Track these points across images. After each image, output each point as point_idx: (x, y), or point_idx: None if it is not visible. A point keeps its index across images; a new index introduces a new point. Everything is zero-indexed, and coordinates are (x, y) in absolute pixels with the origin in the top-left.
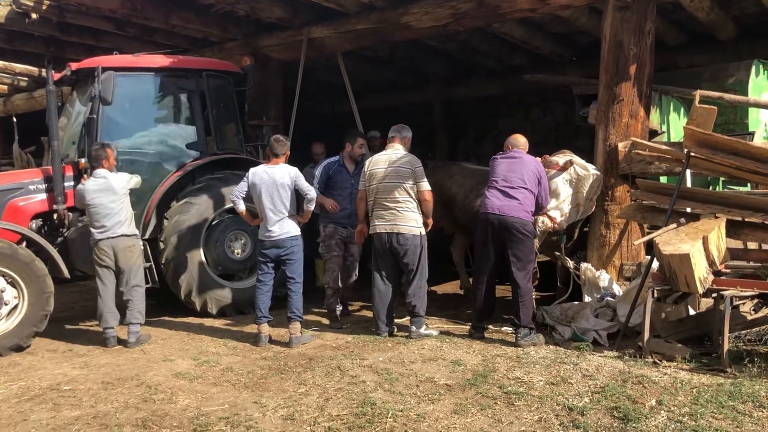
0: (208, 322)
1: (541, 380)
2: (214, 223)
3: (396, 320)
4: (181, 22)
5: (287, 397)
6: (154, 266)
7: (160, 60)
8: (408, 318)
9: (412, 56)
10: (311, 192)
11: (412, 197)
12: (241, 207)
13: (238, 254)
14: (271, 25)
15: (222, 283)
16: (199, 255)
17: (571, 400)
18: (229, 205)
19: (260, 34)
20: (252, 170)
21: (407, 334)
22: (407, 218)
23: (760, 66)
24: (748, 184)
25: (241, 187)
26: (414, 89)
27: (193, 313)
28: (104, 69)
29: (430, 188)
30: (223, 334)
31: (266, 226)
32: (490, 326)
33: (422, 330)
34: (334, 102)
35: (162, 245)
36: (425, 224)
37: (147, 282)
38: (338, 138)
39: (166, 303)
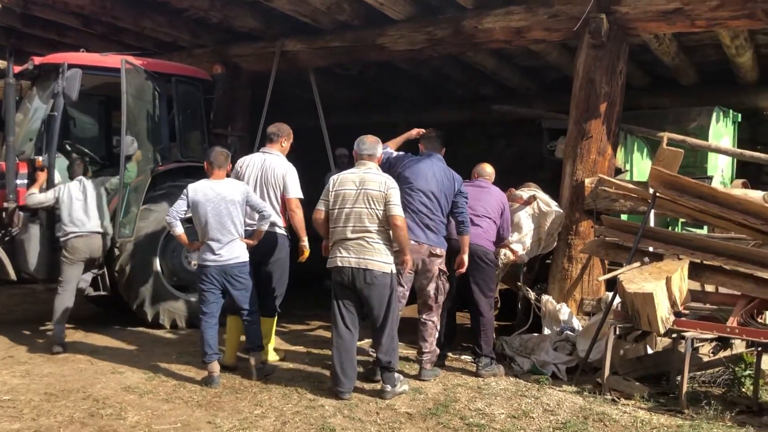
0: (159, 333)
1: (502, 413)
2: (170, 231)
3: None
4: (152, 25)
5: (242, 419)
6: (106, 273)
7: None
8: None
9: (382, 77)
10: (266, 209)
11: (385, 227)
12: (179, 230)
13: (194, 265)
14: (244, 34)
15: (176, 294)
16: (155, 264)
17: None
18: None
19: (231, 42)
20: (192, 186)
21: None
22: (378, 251)
23: (721, 113)
24: (705, 227)
25: (180, 206)
26: (381, 110)
27: (143, 324)
28: (70, 66)
29: (402, 214)
30: (175, 347)
31: (212, 250)
32: (449, 354)
33: (397, 388)
34: (302, 117)
35: (117, 252)
36: (402, 261)
37: (98, 289)
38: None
39: (115, 312)
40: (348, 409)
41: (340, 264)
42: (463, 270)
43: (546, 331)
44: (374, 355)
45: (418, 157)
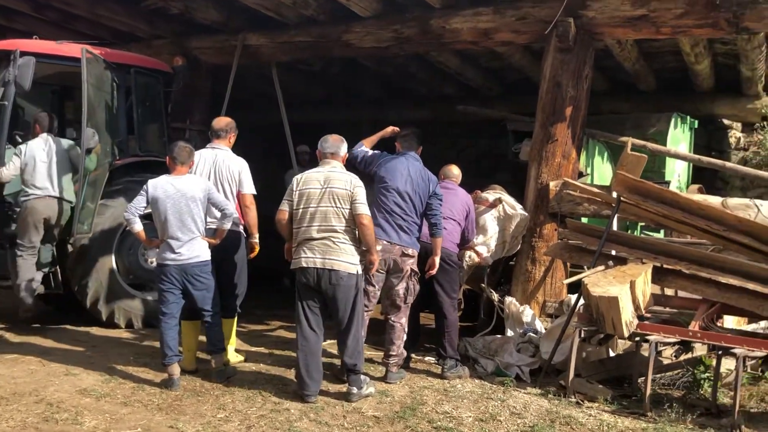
0: (114, 333)
1: (470, 416)
2: (128, 228)
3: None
4: (108, 13)
5: (206, 423)
6: (59, 270)
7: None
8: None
9: (346, 74)
10: (228, 207)
11: (351, 226)
12: (138, 227)
13: (152, 263)
14: (204, 26)
15: (132, 293)
16: (110, 261)
17: None
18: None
19: (191, 34)
20: (152, 182)
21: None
22: (344, 251)
23: (679, 119)
24: (662, 231)
25: (139, 202)
26: (343, 107)
27: (97, 323)
28: (23, 53)
29: (368, 213)
30: (131, 347)
31: (172, 248)
32: (413, 355)
33: (363, 390)
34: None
35: (70, 248)
36: (369, 261)
37: (50, 287)
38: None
39: (66, 310)
40: (314, 413)
41: (305, 264)
42: (434, 272)
43: (509, 332)
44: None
45: (393, 155)
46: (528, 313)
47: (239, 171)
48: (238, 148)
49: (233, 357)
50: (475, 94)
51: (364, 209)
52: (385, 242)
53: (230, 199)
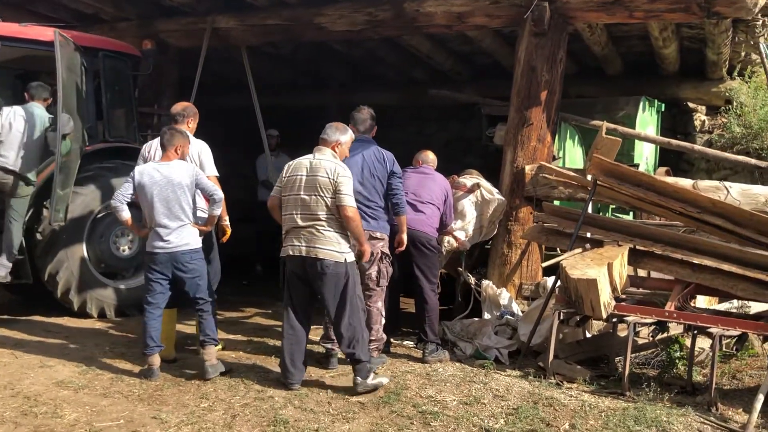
0: (87, 323)
1: (454, 400)
2: (99, 216)
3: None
4: None
5: (189, 413)
6: (28, 259)
7: (53, 33)
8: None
9: (314, 58)
10: (218, 192)
11: (336, 215)
12: (126, 215)
13: (124, 251)
14: (172, 8)
15: (104, 281)
16: (81, 250)
17: (487, 421)
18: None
19: (158, 17)
20: (138, 169)
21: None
22: (328, 240)
23: (647, 102)
24: (631, 213)
25: (126, 190)
26: (312, 91)
27: (69, 313)
28: None
29: (353, 204)
30: (106, 337)
31: (160, 236)
32: (392, 339)
33: (369, 380)
34: (229, 97)
35: (39, 236)
36: (361, 252)
37: (18, 277)
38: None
39: (38, 300)
40: (298, 400)
41: (291, 252)
42: (402, 248)
43: (486, 315)
44: (325, 347)
45: None
46: (505, 296)
47: (198, 153)
48: (201, 134)
49: None
50: (444, 78)
51: (348, 201)
52: None
53: None
